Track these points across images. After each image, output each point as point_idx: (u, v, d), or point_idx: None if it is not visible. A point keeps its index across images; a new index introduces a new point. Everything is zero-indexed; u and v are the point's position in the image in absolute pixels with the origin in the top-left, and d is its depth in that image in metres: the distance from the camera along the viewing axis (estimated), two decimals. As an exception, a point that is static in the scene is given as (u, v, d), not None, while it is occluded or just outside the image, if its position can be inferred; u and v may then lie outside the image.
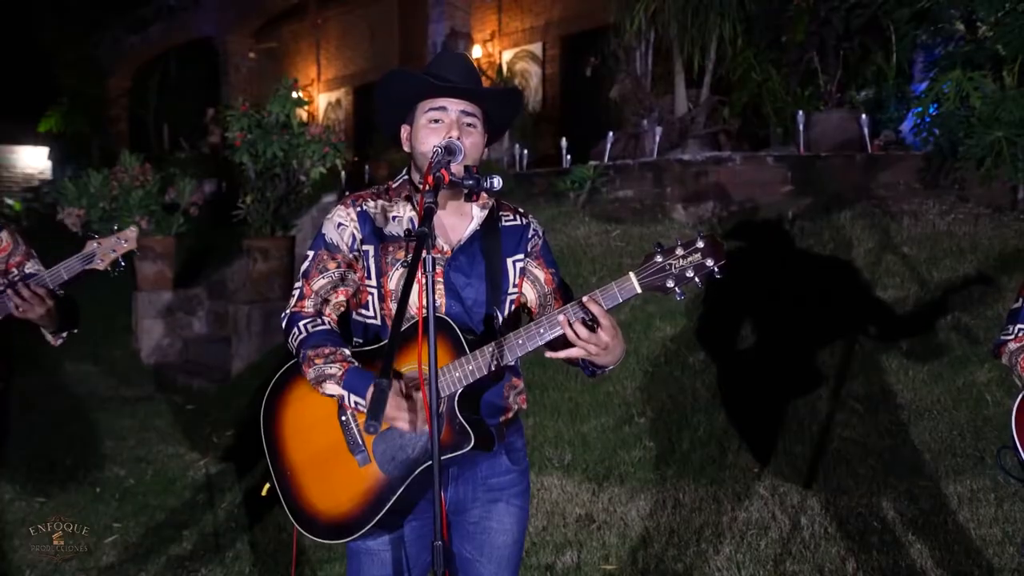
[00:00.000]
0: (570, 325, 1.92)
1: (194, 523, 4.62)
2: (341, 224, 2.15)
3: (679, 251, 1.90)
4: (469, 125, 2.11)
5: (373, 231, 2.14)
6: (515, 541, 2.23)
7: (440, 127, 2.09)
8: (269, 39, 17.26)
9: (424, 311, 1.82)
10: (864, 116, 7.10)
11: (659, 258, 1.90)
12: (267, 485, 2.15)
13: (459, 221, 2.18)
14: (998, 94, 5.73)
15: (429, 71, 2.13)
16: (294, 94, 7.54)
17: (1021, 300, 2.23)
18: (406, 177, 2.22)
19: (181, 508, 4.85)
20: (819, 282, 5.55)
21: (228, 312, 8.24)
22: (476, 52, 13.08)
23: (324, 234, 2.17)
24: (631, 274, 1.92)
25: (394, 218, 2.16)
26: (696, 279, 1.89)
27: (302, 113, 8.35)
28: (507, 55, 13.57)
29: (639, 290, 1.91)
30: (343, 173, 10.23)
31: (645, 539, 3.92)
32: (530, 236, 2.24)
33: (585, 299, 1.92)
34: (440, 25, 11.91)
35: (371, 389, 1.65)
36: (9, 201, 17.74)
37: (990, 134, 5.54)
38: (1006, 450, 2.18)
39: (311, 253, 2.17)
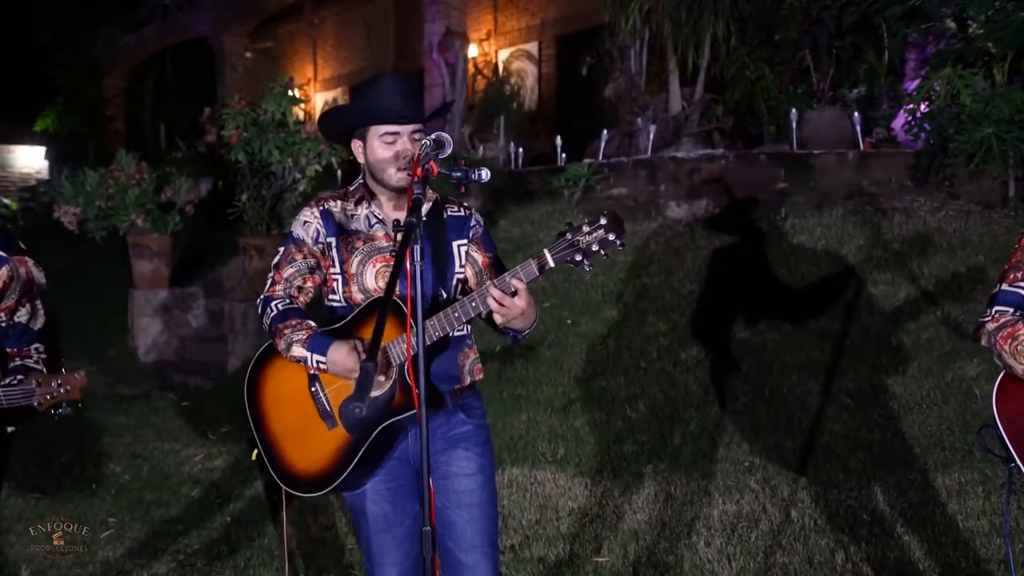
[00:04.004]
0: (491, 298, 2.16)
1: (190, 517, 4.65)
2: (307, 222, 2.45)
3: (585, 228, 2.14)
4: (417, 139, 2.36)
5: (335, 226, 2.43)
6: (480, 487, 2.40)
7: (395, 146, 2.35)
8: (265, 39, 17.27)
9: (408, 296, 2.01)
10: (856, 114, 7.14)
11: (568, 235, 2.15)
12: (255, 451, 2.48)
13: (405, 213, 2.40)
14: (988, 91, 5.78)
15: (380, 102, 2.34)
16: (289, 92, 7.56)
17: (1000, 285, 2.30)
18: (361, 182, 2.48)
19: (177, 503, 4.87)
20: (811, 278, 5.59)
21: (224, 310, 8.26)
22: (472, 51, 13.10)
23: (292, 231, 2.47)
24: (545, 251, 2.19)
25: (352, 216, 2.45)
26: (602, 252, 2.14)
27: (298, 112, 8.38)
28: (503, 54, 13.60)
29: (552, 264, 2.17)
30: (338, 172, 10.25)
31: (637, 532, 3.95)
32: (472, 224, 2.52)
33: (508, 276, 2.18)
34: (436, 24, 11.93)
35: (358, 371, 1.77)
36: (5, 201, 17.75)
37: (980, 131, 5.58)
38: (987, 429, 2.24)
39: (282, 249, 2.48)
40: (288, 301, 2.40)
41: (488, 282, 2.18)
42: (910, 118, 6.31)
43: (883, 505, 3.86)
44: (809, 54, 7.58)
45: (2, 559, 4.20)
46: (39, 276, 2.69)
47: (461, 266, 2.47)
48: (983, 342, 2.30)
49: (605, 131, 8.71)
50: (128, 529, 4.53)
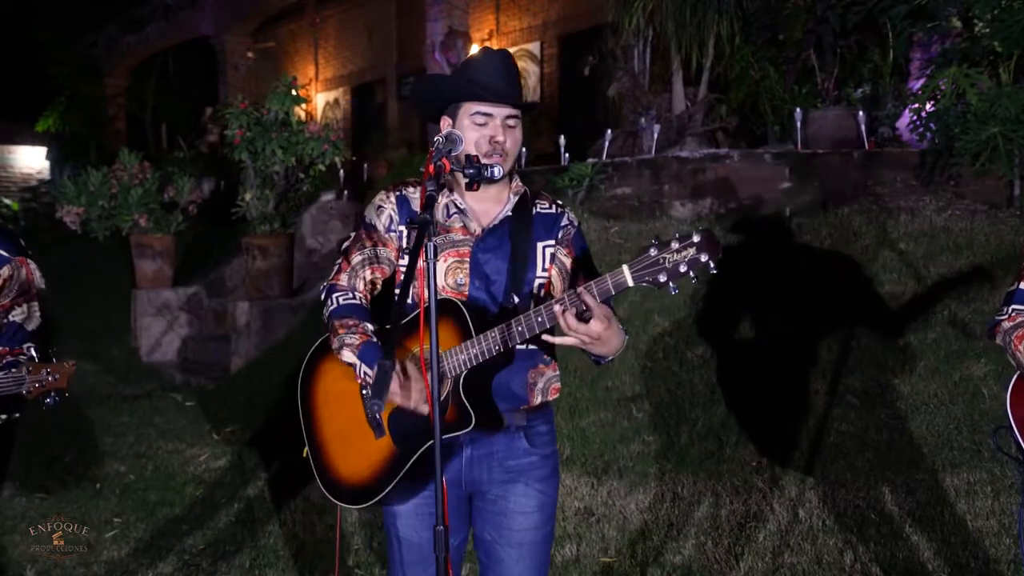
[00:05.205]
0: (563, 315, 1.97)
1: (195, 517, 4.64)
2: (380, 207, 2.29)
3: (674, 245, 1.90)
4: (511, 127, 2.21)
5: (409, 214, 2.25)
6: (536, 526, 2.25)
7: (485, 128, 2.19)
8: (267, 39, 17.26)
9: (426, 297, 1.89)
10: (861, 113, 7.11)
11: (653, 251, 1.91)
12: (305, 449, 2.32)
13: (493, 207, 2.27)
14: (994, 90, 5.76)
15: (476, 75, 2.20)
16: (292, 91, 7.55)
17: (1017, 283, 2.28)
18: None
19: (181, 503, 4.86)
20: (816, 278, 5.58)
21: (227, 310, 8.25)
22: (475, 51, 13.09)
23: (365, 216, 2.31)
24: (624, 267, 1.94)
25: None
26: (690, 273, 1.89)
27: (300, 112, 8.37)
28: (505, 54, 13.58)
29: (631, 283, 1.93)
30: (341, 171, 10.23)
31: (644, 532, 3.94)
32: (563, 224, 2.30)
33: (580, 290, 1.96)
34: (438, 24, 11.91)
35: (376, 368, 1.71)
36: (7, 201, 17.73)
37: (985, 130, 5.56)
38: (1002, 429, 2.23)
39: (353, 233, 2.32)
40: (350, 295, 2.22)
41: (562, 295, 1.98)
42: (915, 117, 6.29)
43: (891, 505, 3.84)
44: (813, 53, 7.55)
45: (6, 559, 4.18)
46: (38, 279, 2.72)
47: (544, 270, 2.23)
48: (998, 340, 2.28)
49: (608, 131, 8.68)
50: (133, 529, 4.53)
